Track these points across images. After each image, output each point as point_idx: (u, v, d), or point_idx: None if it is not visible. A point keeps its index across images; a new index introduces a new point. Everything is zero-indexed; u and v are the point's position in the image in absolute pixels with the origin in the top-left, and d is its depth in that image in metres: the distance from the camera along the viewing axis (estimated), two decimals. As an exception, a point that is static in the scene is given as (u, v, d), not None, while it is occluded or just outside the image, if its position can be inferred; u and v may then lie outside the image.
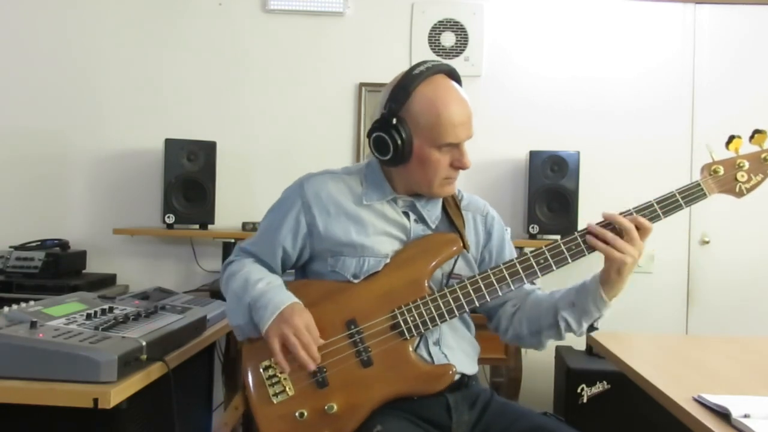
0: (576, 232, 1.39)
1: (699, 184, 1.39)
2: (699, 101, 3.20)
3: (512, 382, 2.61)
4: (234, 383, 2.50)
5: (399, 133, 1.41)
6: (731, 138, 1.39)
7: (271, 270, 1.51)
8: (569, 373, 2.50)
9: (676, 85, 3.20)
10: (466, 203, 1.59)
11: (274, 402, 1.38)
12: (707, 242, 3.19)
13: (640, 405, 2.18)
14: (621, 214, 1.36)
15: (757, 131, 1.39)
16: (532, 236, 2.92)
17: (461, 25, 3.19)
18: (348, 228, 1.46)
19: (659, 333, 2.45)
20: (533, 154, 2.98)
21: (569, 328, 1.45)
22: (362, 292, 1.43)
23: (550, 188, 2.94)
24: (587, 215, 3.19)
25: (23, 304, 1.59)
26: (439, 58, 3.11)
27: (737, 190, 1.40)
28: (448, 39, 3.19)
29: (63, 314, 1.56)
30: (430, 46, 3.18)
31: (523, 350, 2.63)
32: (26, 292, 2.50)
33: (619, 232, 1.34)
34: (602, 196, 3.11)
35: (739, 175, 1.39)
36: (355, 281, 1.44)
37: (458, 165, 1.43)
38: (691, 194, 1.38)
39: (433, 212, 1.51)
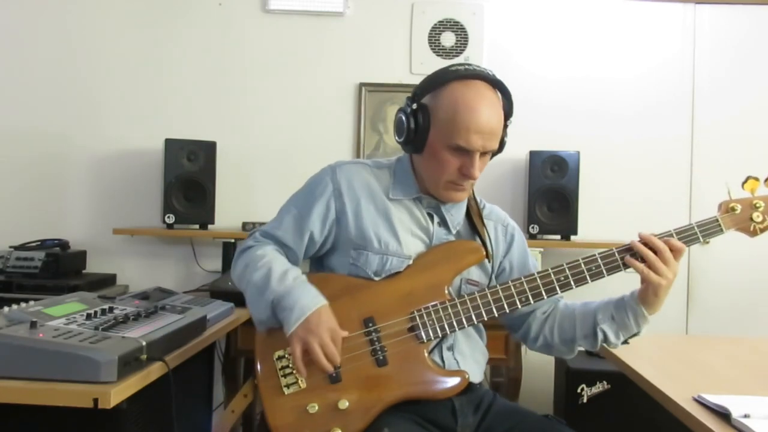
0: (614, 248, 1.42)
1: (717, 220, 1.45)
2: (699, 101, 3.19)
3: (512, 381, 2.61)
4: (234, 383, 2.50)
5: (416, 119, 1.41)
6: (747, 178, 1.44)
7: (294, 257, 1.47)
8: (569, 373, 2.50)
9: (676, 85, 3.20)
10: (488, 212, 1.58)
11: (285, 393, 1.36)
12: (707, 242, 3.19)
13: (640, 405, 2.18)
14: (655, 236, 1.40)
15: None
16: (532, 236, 2.91)
17: (461, 25, 3.18)
18: (377, 222, 1.45)
19: (659, 333, 2.44)
20: (533, 154, 2.98)
21: (606, 341, 1.46)
22: (382, 290, 1.41)
23: (550, 188, 2.94)
24: (587, 215, 3.18)
25: (23, 304, 1.59)
26: (440, 59, 3.12)
27: (751, 229, 1.45)
28: (448, 39, 3.19)
29: (63, 314, 1.56)
30: (430, 46, 3.18)
31: (523, 350, 2.63)
32: (26, 292, 2.50)
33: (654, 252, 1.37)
34: (602, 196, 3.11)
35: (754, 216, 1.44)
36: (376, 279, 1.42)
37: (464, 172, 1.40)
38: (709, 229, 1.45)
39: (456, 217, 1.51)
